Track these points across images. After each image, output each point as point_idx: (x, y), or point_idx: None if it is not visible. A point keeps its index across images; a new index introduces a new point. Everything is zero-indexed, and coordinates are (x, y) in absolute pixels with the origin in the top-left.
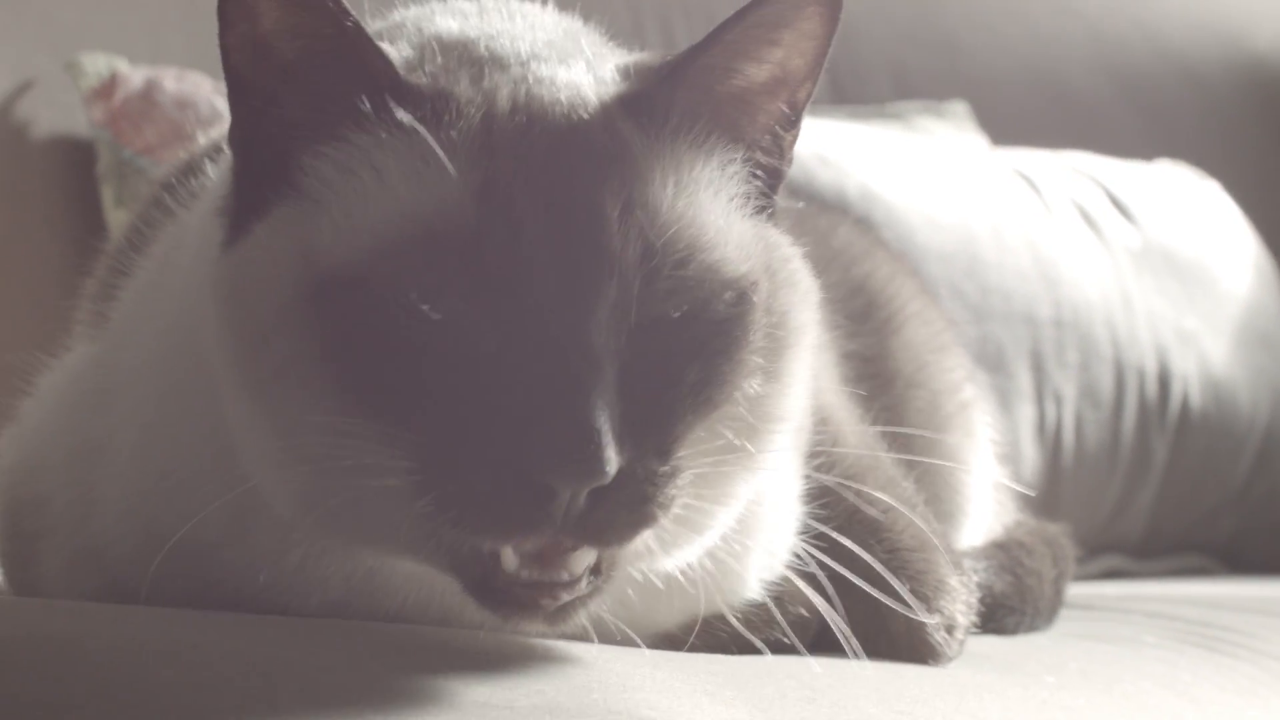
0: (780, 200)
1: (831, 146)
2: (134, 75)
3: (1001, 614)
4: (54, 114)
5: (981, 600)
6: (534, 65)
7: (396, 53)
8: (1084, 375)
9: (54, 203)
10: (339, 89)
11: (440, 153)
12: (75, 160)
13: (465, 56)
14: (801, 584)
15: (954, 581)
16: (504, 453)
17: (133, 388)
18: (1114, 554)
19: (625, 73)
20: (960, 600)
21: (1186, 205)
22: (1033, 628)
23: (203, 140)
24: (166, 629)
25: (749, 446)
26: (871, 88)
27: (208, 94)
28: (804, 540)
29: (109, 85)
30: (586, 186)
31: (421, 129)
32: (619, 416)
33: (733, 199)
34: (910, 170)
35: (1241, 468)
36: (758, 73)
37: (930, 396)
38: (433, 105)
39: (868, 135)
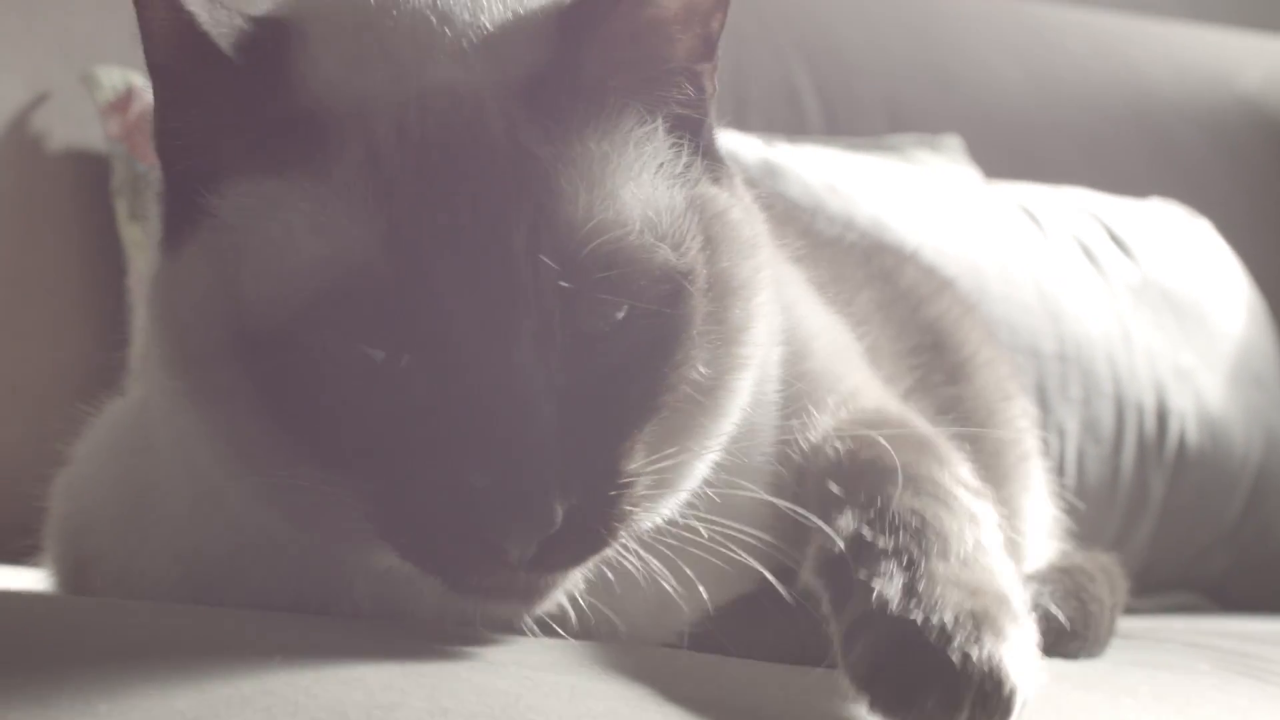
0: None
1: (841, 177)
2: (149, 89)
3: (1065, 639)
4: (69, 127)
5: (1048, 625)
6: (428, 67)
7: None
8: (1086, 410)
9: (68, 216)
10: (216, 110)
11: (340, 206)
12: (90, 174)
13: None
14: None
15: None
16: (451, 509)
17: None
18: None
19: (518, 40)
20: None
21: (1180, 243)
22: (1090, 654)
23: None
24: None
25: (704, 423)
26: (866, 120)
27: None
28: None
29: (124, 99)
30: (491, 217)
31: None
32: (561, 454)
33: (657, 171)
34: (918, 203)
35: (1234, 505)
36: (667, 10)
37: (995, 447)
38: (312, 134)
39: (875, 166)
